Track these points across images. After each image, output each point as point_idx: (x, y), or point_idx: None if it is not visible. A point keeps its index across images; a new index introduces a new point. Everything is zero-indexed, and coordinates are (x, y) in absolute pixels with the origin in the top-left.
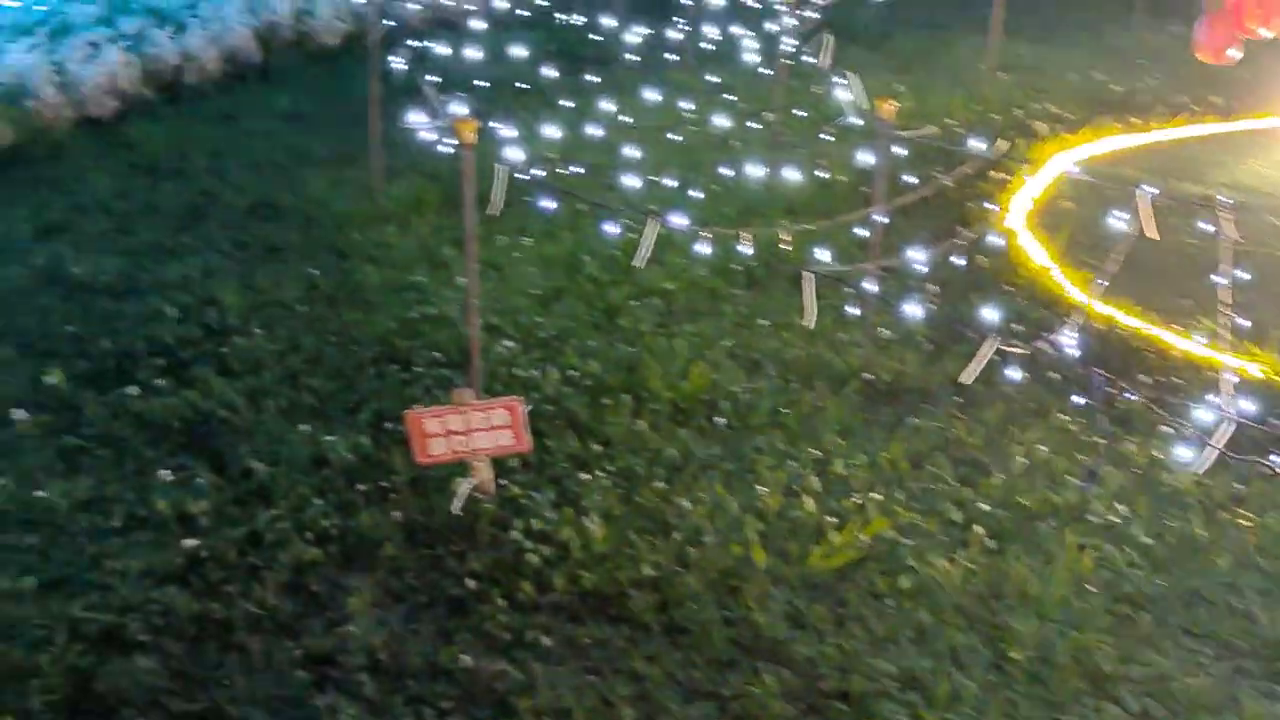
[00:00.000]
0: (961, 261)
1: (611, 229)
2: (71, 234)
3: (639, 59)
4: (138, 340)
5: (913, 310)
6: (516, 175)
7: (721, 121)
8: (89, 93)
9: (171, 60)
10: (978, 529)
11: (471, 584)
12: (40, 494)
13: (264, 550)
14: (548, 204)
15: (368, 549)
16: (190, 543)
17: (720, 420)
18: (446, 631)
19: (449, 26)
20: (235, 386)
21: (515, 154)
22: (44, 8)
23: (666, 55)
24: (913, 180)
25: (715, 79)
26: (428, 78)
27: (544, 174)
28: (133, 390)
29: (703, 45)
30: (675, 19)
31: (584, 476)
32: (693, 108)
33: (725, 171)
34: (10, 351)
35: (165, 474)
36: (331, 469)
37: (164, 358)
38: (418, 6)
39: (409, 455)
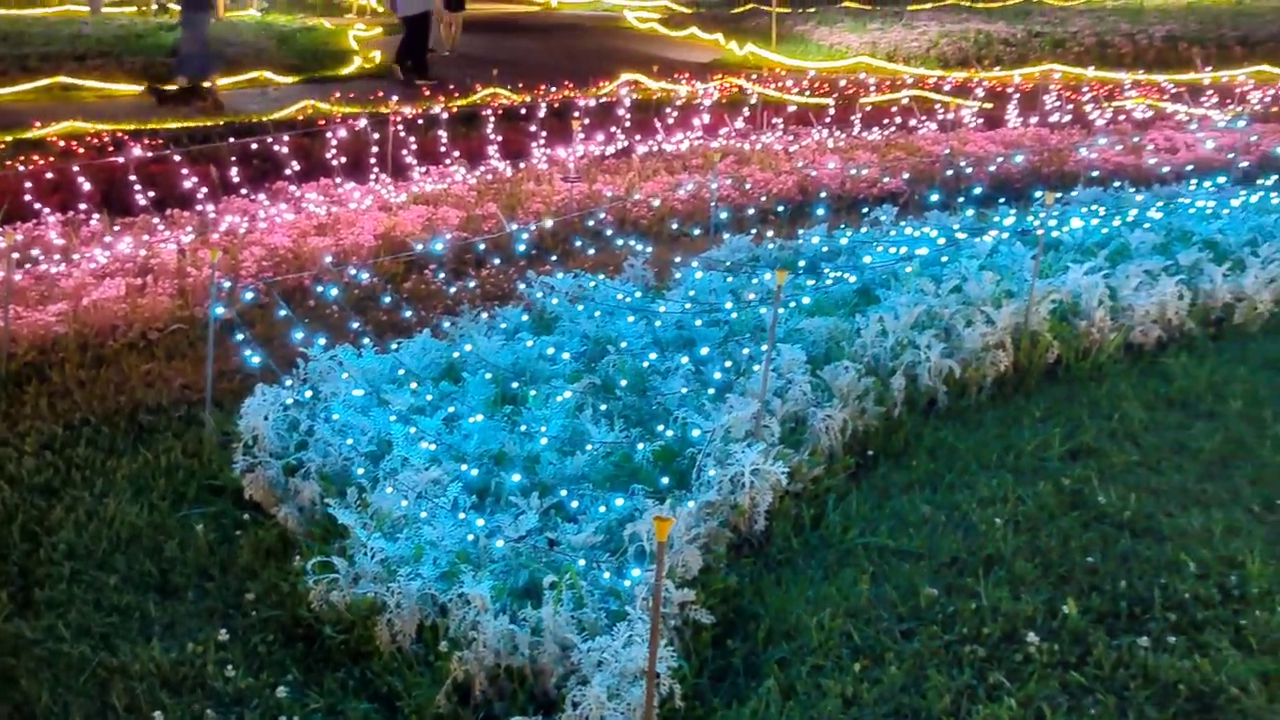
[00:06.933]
0: None
1: None
2: (1099, 460)
3: None
4: (1153, 588)
5: None
6: None
7: None
8: (1137, 320)
9: (1222, 297)
10: None
11: None
12: None
13: None
14: None
15: None
16: None
17: None
18: None
19: None
20: (1249, 664)
21: None
22: (1105, 231)
23: None
24: None
25: None
26: None
27: None
28: (1143, 641)
29: None
30: None
31: None
32: None
33: None
34: (1031, 571)
35: None
36: None
37: (1176, 613)
38: None
39: None
